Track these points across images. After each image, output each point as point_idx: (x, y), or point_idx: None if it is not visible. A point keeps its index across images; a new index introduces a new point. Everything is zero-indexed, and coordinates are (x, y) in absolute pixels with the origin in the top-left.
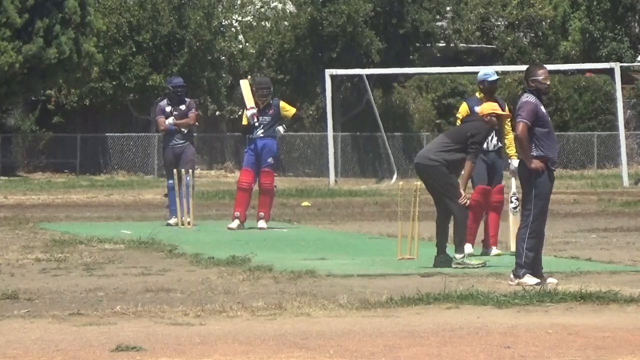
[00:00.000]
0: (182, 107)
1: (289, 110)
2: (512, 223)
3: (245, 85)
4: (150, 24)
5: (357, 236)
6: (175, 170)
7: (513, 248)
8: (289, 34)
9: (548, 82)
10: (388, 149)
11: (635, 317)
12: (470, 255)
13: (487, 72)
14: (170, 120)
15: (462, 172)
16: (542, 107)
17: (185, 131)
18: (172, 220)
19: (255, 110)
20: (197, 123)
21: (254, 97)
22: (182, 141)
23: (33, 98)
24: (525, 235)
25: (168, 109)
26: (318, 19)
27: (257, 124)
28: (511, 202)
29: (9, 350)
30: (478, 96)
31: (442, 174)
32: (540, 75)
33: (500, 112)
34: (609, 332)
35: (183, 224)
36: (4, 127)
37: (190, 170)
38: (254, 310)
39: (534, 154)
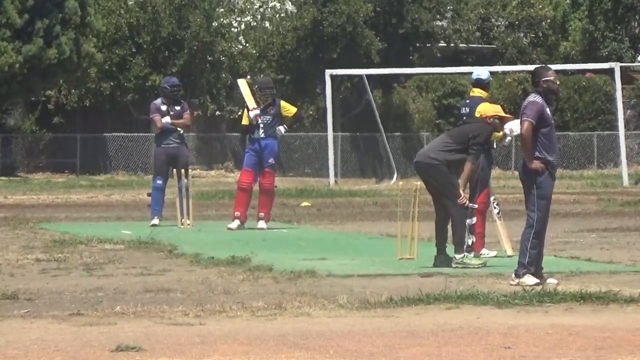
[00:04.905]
0: (177, 107)
1: (289, 109)
2: (500, 227)
3: (243, 84)
4: (150, 25)
5: (357, 236)
6: (174, 171)
7: (509, 252)
8: (289, 35)
9: (558, 82)
10: (388, 149)
11: (635, 317)
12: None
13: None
14: (167, 119)
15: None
16: (548, 109)
17: (182, 131)
18: (156, 221)
19: (258, 111)
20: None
21: (254, 96)
22: (177, 141)
23: (33, 98)
24: (530, 235)
25: (164, 107)
26: (319, 19)
27: (261, 124)
28: (494, 207)
29: (9, 350)
30: (482, 96)
31: (442, 173)
32: (551, 76)
33: (503, 114)
34: (609, 332)
35: (182, 225)
36: (4, 127)
37: (189, 171)
38: (254, 310)
39: (536, 155)
